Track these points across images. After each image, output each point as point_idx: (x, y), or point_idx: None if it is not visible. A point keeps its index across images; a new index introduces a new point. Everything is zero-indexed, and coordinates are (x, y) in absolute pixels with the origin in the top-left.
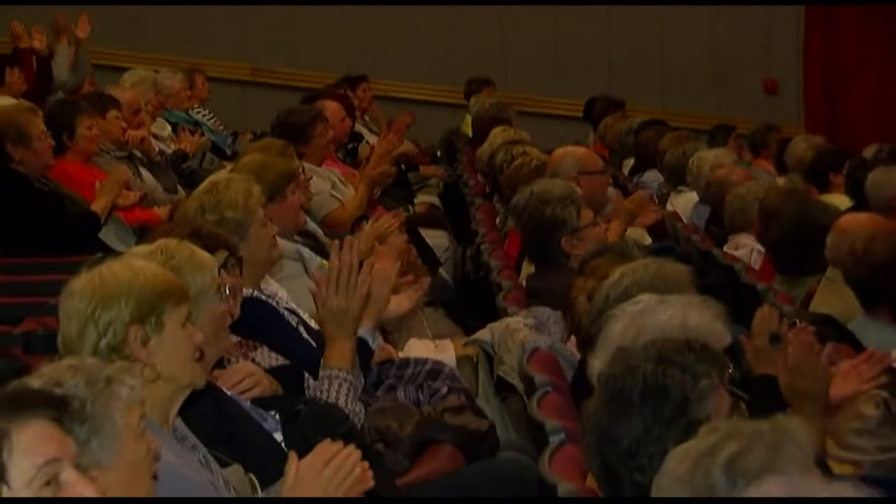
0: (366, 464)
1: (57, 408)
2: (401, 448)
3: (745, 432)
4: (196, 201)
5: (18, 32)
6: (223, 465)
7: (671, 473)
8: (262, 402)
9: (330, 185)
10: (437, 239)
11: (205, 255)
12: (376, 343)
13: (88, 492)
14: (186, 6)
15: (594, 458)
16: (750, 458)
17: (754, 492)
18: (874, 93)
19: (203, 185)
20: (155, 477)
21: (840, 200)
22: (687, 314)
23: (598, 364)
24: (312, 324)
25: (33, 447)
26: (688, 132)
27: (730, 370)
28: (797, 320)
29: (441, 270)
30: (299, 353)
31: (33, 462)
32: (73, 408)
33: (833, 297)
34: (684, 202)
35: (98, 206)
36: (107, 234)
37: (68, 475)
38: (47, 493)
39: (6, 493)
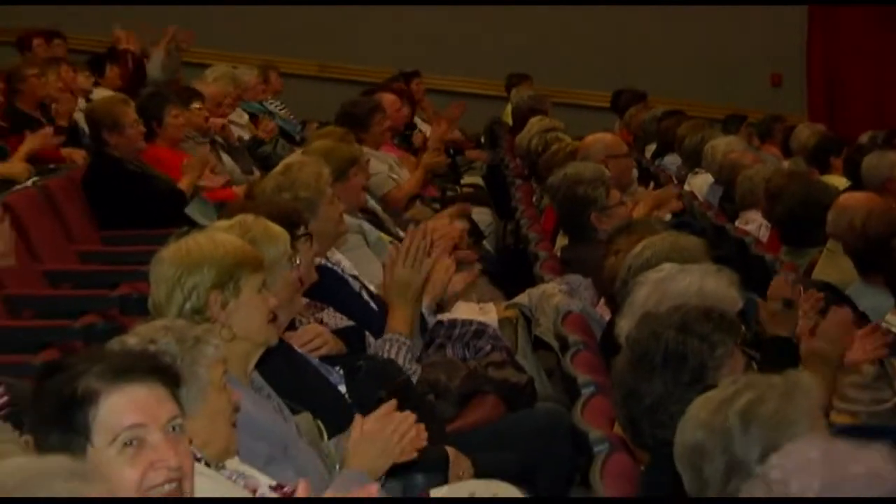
0: (421, 426)
1: (162, 373)
2: (449, 399)
3: (761, 384)
4: (273, 181)
5: (119, 35)
6: (294, 412)
7: (693, 419)
8: (329, 359)
9: (387, 168)
10: (481, 215)
11: (278, 228)
12: (432, 317)
13: (170, 454)
14: (262, 9)
15: (620, 411)
16: (763, 406)
17: (790, 449)
18: (870, 85)
19: (279, 168)
20: (234, 425)
21: (839, 181)
22: (704, 281)
23: (624, 325)
24: (372, 289)
25: (119, 411)
26: (703, 121)
27: (743, 333)
28: (801, 287)
29: (485, 243)
30: (361, 315)
31: (117, 424)
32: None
33: (833, 266)
34: (700, 183)
35: (183, 184)
36: (192, 210)
37: (154, 438)
38: (128, 453)
39: (90, 452)
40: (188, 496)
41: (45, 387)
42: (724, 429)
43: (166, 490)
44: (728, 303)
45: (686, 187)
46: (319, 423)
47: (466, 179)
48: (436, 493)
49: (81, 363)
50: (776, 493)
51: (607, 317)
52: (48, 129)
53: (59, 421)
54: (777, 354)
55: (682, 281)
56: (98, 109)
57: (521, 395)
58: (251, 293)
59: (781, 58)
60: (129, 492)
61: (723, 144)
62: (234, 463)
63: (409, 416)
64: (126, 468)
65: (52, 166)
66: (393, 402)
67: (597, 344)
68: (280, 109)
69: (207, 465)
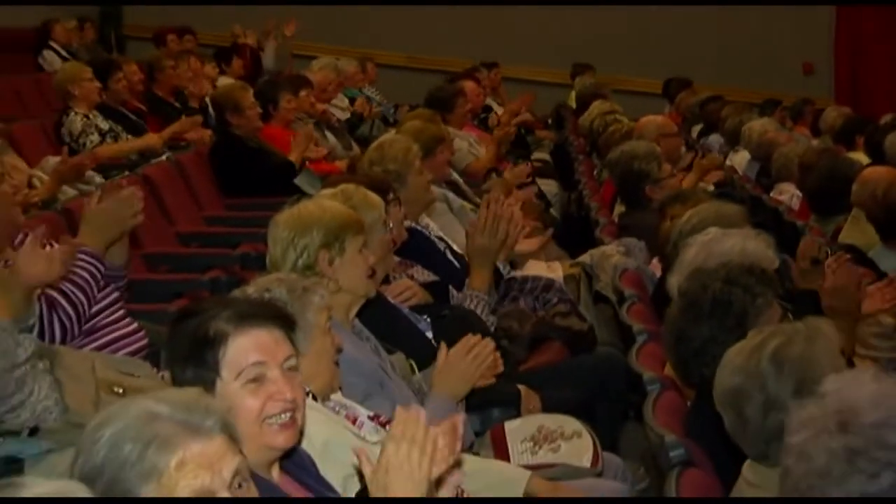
0: (497, 354)
1: (281, 319)
2: (521, 343)
3: (786, 330)
4: (368, 156)
5: (238, 32)
6: (389, 352)
7: (729, 365)
8: (418, 309)
9: (468, 145)
10: (548, 186)
11: (374, 196)
12: (506, 271)
13: (286, 388)
14: (360, 8)
15: (671, 353)
16: (791, 348)
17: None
18: (891, 72)
19: (374, 144)
20: (336, 364)
21: (862, 158)
22: (745, 243)
23: (674, 281)
24: (455, 248)
25: (248, 349)
26: (742, 105)
27: (779, 287)
28: (829, 249)
29: (552, 210)
30: (445, 272)
31: (246, 361)
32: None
33: (857, 231)
34: (740, 159)
35: (293, 157)
36: (300, 181)
37: (273, 374)
38: (250, 387)
39: (219, 386)
40: (300, 425)
41: (180, 330)
42: (758, 371)
43: (282, 420)
44: (766, 262)
45: (727, 163)
46: (411, 361)
47: (536, 155)
48: (509, 424)
49: (211, 309)
50: (828, 405)
51: (658, 274)
52: (198, 118)
53: (193, 358)
54: (806, 305)
55: (725, 242)
56: (222, 95)
57: (583, 341)
58: (354, 252)
59: (812, 49)
60: (250, 419)
61: (759, 125)
62: (337, 396)
63: (488, 345)
64: (249, 399)
65: (183, 143)
66: (472, 337)
67: (649, 297)
68: (375, 95)
69: (314, 398)
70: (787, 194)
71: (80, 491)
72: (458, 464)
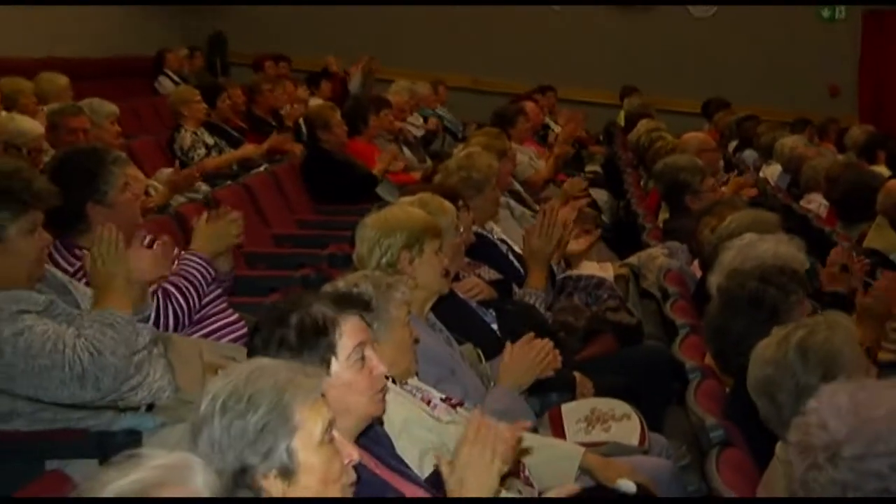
0: (556, 351)
1: (364, 307)
2: (576, 335)
3: (808, 323)
4: (456, 161)
5: (330, 62)
6: (459, 343)
7: (760, 357)
8: (484, 303)
9: (528, 158)
10: (600, 195)
11: (448, 203)
12: (559, 269)
13: (380, 366)
14: (433, 38)
15: (711, 344)
16: (814, 337)
17: (823, 393)
18: None
19: (463, 152)
20: (414, 352)
21: (884, 171)
22: (778, 247)
23: (714, 280)
24: (517, 250)
25: (352, 332)
26: (775, 123)
27: (808, 286)
28: (854, 253)
29: (602, 216)
30: (508, 271)
31: (353, 342)
32: (363, 302)
33: (880, 237)
34: (772, 171)
35: (376, 170)
36: (381, 190)
37: (368, 353)
38: (358, 366)
39: (334, 365)
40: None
41: (282, 325)
42: (786, 362)
43: (381, 393)
44: (797, 264)
45: (761, 175)
46: (479, 351)
47: (588, 168)
48: (566, 406)
49: (307, 303)
50: (814, 436)
51: (699, 274)
52: (288, 136)
53: (306, 346)
54: (832, 305)
55: (760, 246)
56: (313, 114)
57: (632, 333)
58: (431, 253)
59: (838, 73)
60: (361, 392)
61: (790, 141)
62: (414, 381)
63: (547, 343)
64: (359, 376)
65: (278, 157)
66: (533, 334)
67: (691, 295)
68: (446, 114)
69: (394, 382)
70: (815, 203)
71: (195, 463)
72: (524, 452)
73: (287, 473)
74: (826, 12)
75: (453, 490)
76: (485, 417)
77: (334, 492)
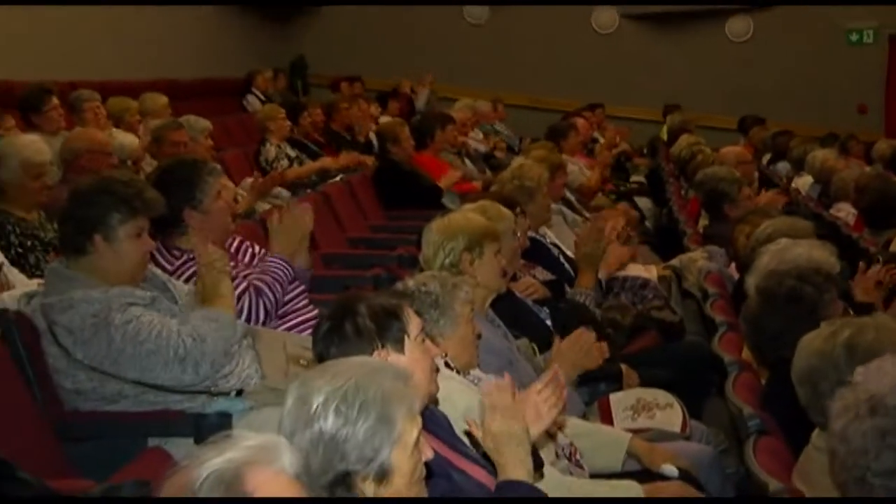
0: (603, 343)
1: (433, 304)
2: (622, 332)
3: (856, 322)
4: (510, 172)
5: (403, 83)
6: (516, 337)
7: (808, 348)
8: (539, 301)
9: (578, 169)
10: (644, 203)
11: (506, 210)
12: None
13: (434, 349)
14: (493, 59)
15: (749, 340)
16: (862, 337)
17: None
18: None
19: (516, 164)
20: (476, 346)
21: None
22: (812, 251)
23: (751, 282)
24: (568, 253)
25: (413, 315)
26: (807, 137)
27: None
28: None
29: (646, 223)
30: (560, 272)
31: (417, 326)
32: (431, 299)
33: None
34: (803, 182)
35: (442, 183)
36: (445, 199)
37: (423, 336)
38: (422, 347)
39: (407, 343)
40: None
41: (357, 316)
42: (833, 355)
43: (435, 373)
44: (829, 267)
45: (793, 185)
46: (533, 345)
47: (633, 178)
48: (613, 396)
49: (368, 296)
50: (859, 392)
51: (736, 276)
52: (357, 154)
53: (385, 331)
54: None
55: (795, 250)
56: (384, 129)
57: (675, 330)
58: (490, 255)
59: (865, 92)
60: (426, 374)
61: (821, 154)
62: (475, 371)
63: (592, 336)
64: (422, 356)
65: (353, 168)
66: (582, 329)
67: (729, 295)
68: (504, 129)
69: (458, 372)
70: (844, 212)
71: (282, 444)
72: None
73: (383, 477)
74: (854, 36)
75: (491, 450)
76: (499, 382)
77: (416, 491)
